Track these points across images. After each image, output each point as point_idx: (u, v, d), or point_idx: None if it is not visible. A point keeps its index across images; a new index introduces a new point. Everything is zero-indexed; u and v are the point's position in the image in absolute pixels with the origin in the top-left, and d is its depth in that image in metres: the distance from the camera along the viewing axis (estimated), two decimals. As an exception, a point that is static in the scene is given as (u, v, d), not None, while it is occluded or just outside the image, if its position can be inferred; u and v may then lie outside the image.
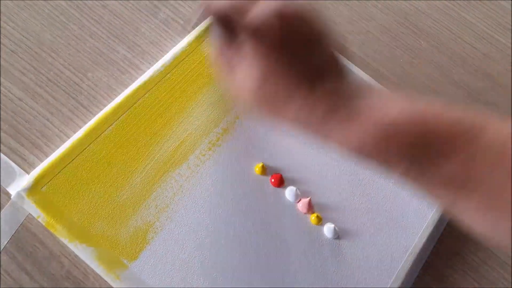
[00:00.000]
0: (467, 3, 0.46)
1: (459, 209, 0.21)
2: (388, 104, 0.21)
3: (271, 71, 0.21)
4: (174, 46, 0.36)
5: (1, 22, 0.34)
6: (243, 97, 0.23)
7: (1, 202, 0.29)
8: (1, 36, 0.34)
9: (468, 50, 0.44)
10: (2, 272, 0.27)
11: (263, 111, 0.23)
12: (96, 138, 0.30)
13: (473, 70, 0.43)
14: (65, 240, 0.27)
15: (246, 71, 0.22)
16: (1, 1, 0.35)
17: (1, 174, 0.29)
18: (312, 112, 0.22)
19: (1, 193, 0.29)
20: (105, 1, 0.37)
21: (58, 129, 0.32)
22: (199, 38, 0.35)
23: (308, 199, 0.32)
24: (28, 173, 0.29)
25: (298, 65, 0.22)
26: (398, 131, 0.21)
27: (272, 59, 0.21)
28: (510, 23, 0.46)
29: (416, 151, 0.21)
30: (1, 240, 0.28)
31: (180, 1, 0.38)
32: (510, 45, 0.45)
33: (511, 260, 0.35)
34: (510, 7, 0.47)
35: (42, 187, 0.28)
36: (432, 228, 0.33)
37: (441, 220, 0.34)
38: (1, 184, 0.29)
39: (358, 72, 0.38)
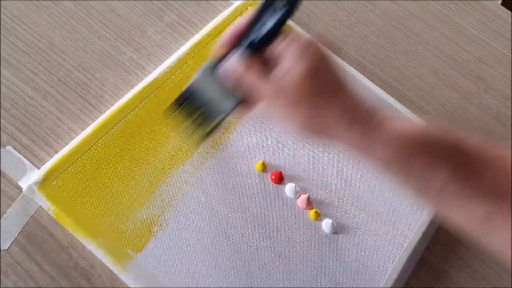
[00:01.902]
0: (460, 9, 0.48)
1: (494, 223, 0.21)
2: (405, 120, 0.23)
3: (317, 105, 0.23)
4: (179, 48, 0.37)
5: (15, 25, 0.36)
6: (290, 126, 0.24)
7: (13, 195, 0.30)
8: (14, 38, 0.35)
9: (461, 54, 0.45)
10: (13, 262, 0.28)
11: (307, 135, 0.24)
12: (104, 135, 0.32)
13: (467, 74, 0.44)
14: (73, 231, 0.29)
15: (292, 107, 0.23)
16: (15, 5, 0.37)
17: (13, 169, 0.30)
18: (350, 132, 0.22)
19: (13, 187, 0.30)
20: (113, 5, 0.39)
21: (68, 127, 0.33)
22: (202, 41, 0.37)
23: (307, 195, 0.33)
24: (38, 168, 0.31)
25: (326, 91, 0.23)
26: (434, 137, 0.21)
27: (313, 92, 0.22)
28: (501, 29, 0.47)
29: (455, 159, 0.21)
30: (13, 231, 0.29)
31: (185, 6, 0.40)
32: (501, 49, 0.46)
33: (504, 256, 0.36)
34: (501, 13, 0.48)
35: (52, 181, 0.29)
36: (427, 224, 0.34)
37: (435, 217, 0.35)
38: (13, 178, 0.30)
39: (355, 74, 0.39)
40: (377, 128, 0.22)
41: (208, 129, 0.27)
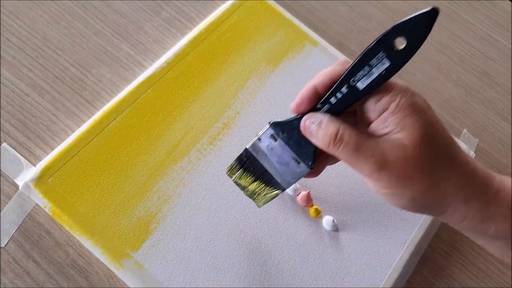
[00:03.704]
0: (467, 3, 0.47)
1: None
2: None
3: (431, 181, 0.19)
4: (176, 43, 0.37)
5: (10, 21, 0.35)
6: (395, 203, 0.20)
7: (9, 193, 0.30)
8: (9, 34, 0.35)
9: (466, 49, 0.44)
10: (10, 259, 0.28)
11: (414, 210, 0.20)
12: (100, 131, 0.31)
13: (471, 69, 0.43)
14: (70, 229, 0.28)
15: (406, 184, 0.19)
16: (10, 0, 0.36)
17: (9, 166, 0.30)
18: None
19: (10, 184, 0.30)
20: (110, 0, 0.38)
21: (64, 124, 0.33)
22: (200, 36, 0.36)
23: (307, 192, 0.32)
24: (34, 165, 0.30)
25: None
26: None
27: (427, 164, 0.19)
28: (510, 24, 0.46)
29: None
30: (10, 229, 0.29)
31: (182, 1, 0.39)
32: (509, 45, 0.45)
33: (508, 254, 0.36)
34: (509, 8, 0.47)
35: (49, 178, 0.29)
36: (429, 221, 0.34)
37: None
38: (9, 175, 0.30)
39: None
40: (496, 199, 0.19)
41: (273, 194, 0.25)
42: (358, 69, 0.20)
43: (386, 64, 0.20)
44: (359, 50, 0.42)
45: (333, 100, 0.21)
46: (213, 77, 0.35)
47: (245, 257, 0.30)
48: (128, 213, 0.29)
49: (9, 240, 0.28)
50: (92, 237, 0.28)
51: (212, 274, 0.29)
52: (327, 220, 0.32)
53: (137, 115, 0.33)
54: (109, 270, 0.28)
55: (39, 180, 0.29)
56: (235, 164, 0.25)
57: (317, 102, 0.22)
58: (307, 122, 0.21)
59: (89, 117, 0.33)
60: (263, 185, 0.25)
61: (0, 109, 0.32)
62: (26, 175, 0.29)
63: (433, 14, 0.19)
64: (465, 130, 0.40)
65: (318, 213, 0.32)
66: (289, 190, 0.32)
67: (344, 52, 0.40)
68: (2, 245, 0.28)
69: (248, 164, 0.24)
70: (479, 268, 0.35)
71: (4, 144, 0.31)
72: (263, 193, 0.25)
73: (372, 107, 0.20)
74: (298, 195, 0.33)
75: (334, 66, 0.21)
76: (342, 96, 0.21)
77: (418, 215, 0.34)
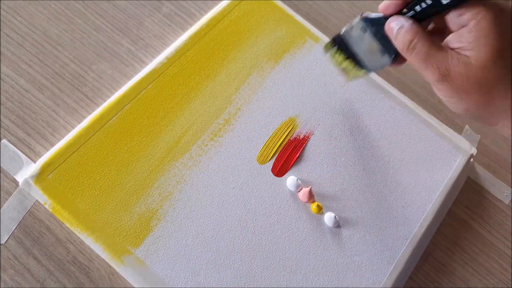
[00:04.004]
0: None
1: None
2: None
3: (487, 97, 0.21)
4: (177, 39, 0.36)
5: (9, 16, 0.35)
6: (451, 107, 0.22)
7: (10, 189, 0.29)
8: (9, 30, 0.35)
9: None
10: (10, 256, 0.28)
11: (469, 117, 0.23)
12: (101, 128, 0.31)
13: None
14: (70, 226, 0.28)
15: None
16: (9, -5, 0.36)
17: (9, 163, 0.30)
18: None
19: (10, 181, 0.30)
20: (110, -4, 0.38)
21: (64, 120, 0.33)
22: (201, 31, 0.36)
23: (308, 188, 0.32)
24: (34, 162, 0.30)
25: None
26: None
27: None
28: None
29: None
30: (10, 226, 0.28)
31: (182, -4, 0.39)
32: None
33: (510, 250, 0.35)
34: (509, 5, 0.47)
35: (49, 175, 0.29)
36: (431, 218, 0.34)
37: (440, 210, 0.35)
38: (9, 172, 0.30)
39: None
40: None
41: (360, 73, 0.29)
42: None
43: None
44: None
45: (417, 8, 0.23)
46: (214, 73, 0.35)
47: (246, 253, 0.30)
48: (129, 210, 0.29)
49: (9, 237, 0.28)
50: (93, 233, 0.28)
51: (213, 271, 0.29)
52: (329, 217, 0.32)
53: (137, 111, 0.32)
54: (110, 266, 0.28)
55: (39, 177, 0.29)
56: (330, 43, 0.29)
57: (403, 7, 0.24)
58: (391, 24, 0.24)
59: (89, 113, 0.32)
60: (353, 64, 0.29)
61: (0, 105, 0.32)
62: (26, 172, 0.29)
63: None
64: (467, 126, 0.40)
65: (319, 209, 0.32)
66: (290, 186, 0.32)
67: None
68: (2, 242, 0.28)
69: (342, 45, 0.29)
70: (481, 264, 0.35)
71: (4, 141, 0.31)
72: (352, 71, 0.30)
73: (453, 19, 0.21)
74: (299, 191, 0.32)
75: None
76: (426, 6, 0.22)
77: (419, 212, 0.34)
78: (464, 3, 0.21)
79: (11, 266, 0.28)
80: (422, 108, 0.38)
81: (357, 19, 0.27)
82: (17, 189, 0.29)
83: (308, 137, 0.34)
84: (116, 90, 0.34)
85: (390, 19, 0.25)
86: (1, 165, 0.30)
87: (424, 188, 0.34)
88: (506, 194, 0.38)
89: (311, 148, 0.34)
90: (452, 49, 0.22)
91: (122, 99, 0.32)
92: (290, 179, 0.32)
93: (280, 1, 0.39)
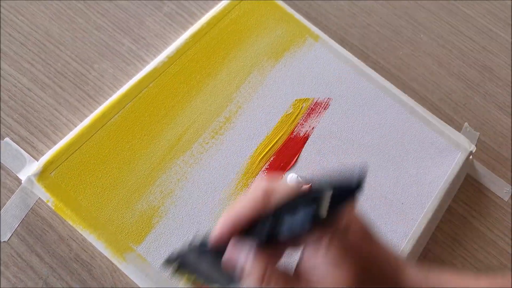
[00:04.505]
0: (466, -3, 0.47)
1: None
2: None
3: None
4: (177, 38, 0.37)
5: (11, 16, 0.35)
6: None
7: (12, 187, 0.30)
8: (11, 29, 0.35)
9: (467, 43, 0.44)
10: (13, 253, 0.28)
11: None
12: (102, 126, 0.31)
13: (472, 63, 0.43)
14: (73, 223, 0.28)
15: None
16: (11, -5, 0.36)
17: (12, 161, 0.30)
18: None
19: (12, 179, 0.30)
20: (111, -5, 0.38)
21: (66, 118, 0.33)
22: (201, 30, 0.36)
23: (309, 186, 0.32)
24: (37, 160, 0.30)
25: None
26: None
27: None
28: (510, 18, 0.46)
29: None
30: (13, 223, 0.29)
31: (183, -5, 0.39)
32: (509, 38, 0.45)
33: (510, 247, 0.36)
34: (509, 2, 0.47)
35: (51, 172, 0.29)
36: (431, 214, 0.34)
37: (440, 207, 0.35)
38: (12, 170, 0.30)
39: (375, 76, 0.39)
40: None
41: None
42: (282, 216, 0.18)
43: (310, 209, 0.18)
44: (360, 45, 0.42)
45: (259, 236, 0.19)
46: (214, 71, 0.35)
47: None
48: (130, 207, 0.29)
49: (12, 234, 0.28)
50: (95, 231, 0.28)
51: (215, 267, 0.29)
52: (290, 177, 0.31)
53: (139, 109, 0.33)
54: (112, 263, 0.29)
55: (42, 175, 0.29)
56: (170, 259, 0.22)
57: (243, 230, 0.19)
58: (227, 262, 0.19)
59: (91, 112, 0.33)
60: (202, 280, 0.21)
61: (3, 103, 0.32)
62: (28, 170, 0.29)
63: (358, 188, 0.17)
64: (466, 124, 0.40)
65: (320, 206, 0.32)
66: (291, 184, 0.33)
67: (345, 47, 0.40)
68: (5, 239, 0.28)
69: (184, 262, 0.21)
70: (481, 261, 0.35)
71: (7, 139, 0.31)
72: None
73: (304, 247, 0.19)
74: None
75: (256, 200, 0.19)
76: (268, 232, 0.18)
77: (419, 209, 0.34)
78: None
79: (14, 263, 0.28)
80: (422, 105, 0.38)
81: (191, 243, 0.21)
82: (19, 187, 0.29)
83: (308, 135, 0.35)
84: (117, 89, 0.34)
85: (226, 255, 0.19)
86: (4, 163, 0.30)
87: (424, 185, 0.35)
88: (505, 191, 0.38)
89: (311, 145, 0.34)
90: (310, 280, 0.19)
91: (124, 97, 0.33)
92: (290, 177, 0.33)
93: (280, 0, 0.40)
